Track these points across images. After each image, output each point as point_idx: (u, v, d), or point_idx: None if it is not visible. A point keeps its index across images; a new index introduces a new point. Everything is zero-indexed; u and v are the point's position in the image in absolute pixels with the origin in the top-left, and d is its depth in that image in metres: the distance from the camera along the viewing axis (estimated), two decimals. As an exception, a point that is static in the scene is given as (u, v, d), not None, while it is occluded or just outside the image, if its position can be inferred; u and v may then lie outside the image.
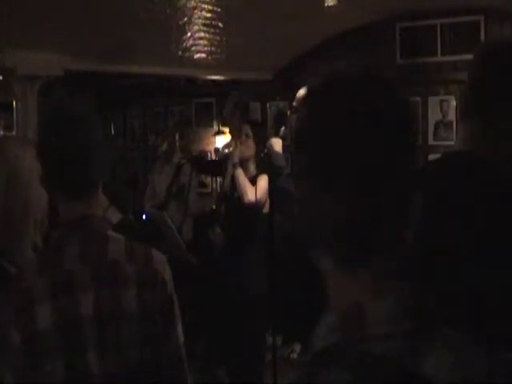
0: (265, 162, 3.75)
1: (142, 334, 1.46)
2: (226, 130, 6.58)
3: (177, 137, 5.80)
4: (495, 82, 1.32)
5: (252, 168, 3.91)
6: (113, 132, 7.74)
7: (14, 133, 4.40)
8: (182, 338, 1.56)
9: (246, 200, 3.73)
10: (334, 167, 0.71)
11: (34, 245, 1.72)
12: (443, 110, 5.42)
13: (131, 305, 1.46)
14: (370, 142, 0.70)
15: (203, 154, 6.85)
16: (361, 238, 0.71)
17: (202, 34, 4.82)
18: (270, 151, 3.70)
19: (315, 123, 0.76)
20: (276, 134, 5.74)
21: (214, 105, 6.95)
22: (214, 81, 6.32)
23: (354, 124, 0.71)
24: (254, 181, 3.79)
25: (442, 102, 5.43)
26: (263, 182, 3.72)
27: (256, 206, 3.72)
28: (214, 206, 4.22)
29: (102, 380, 1.43)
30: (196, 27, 4.67)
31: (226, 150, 4.15)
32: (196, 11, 4.40)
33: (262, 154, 3.74)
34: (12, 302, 1.43)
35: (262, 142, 3.86)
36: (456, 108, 5.27)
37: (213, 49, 5.13)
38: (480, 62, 1.38)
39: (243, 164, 3.86)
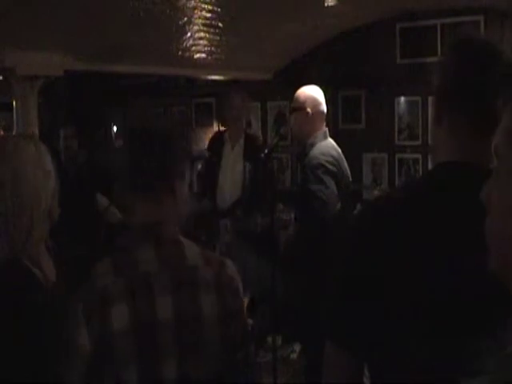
0: (264, 163, 3.75)
1: (220, 340, 1.46)
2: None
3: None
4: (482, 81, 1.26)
5: None
6: (113, 132, 7.74)
7: (13, 133, 4.40)
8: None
9: None
10: None
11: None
12: (443, 109, 5.42)
13: (211, 310, 1.45)
14: None
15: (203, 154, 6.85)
16: None
17: (201, 34, 4.82)
18: None
19: None
20: (276, 134, 5.73)
21: (213, 105, 6.95)
22: (214, 81, 6.32)
23: None
24: None
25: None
26: None
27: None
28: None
29: None
30: (196, 27, 4.67)
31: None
32: (196, 11, 4.40)
33: (263, 154, 3.73)
34: (84, 302, 1.42)
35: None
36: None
37: (213, 49, 5.13)
38: (459, 62, 1.31)
39: None
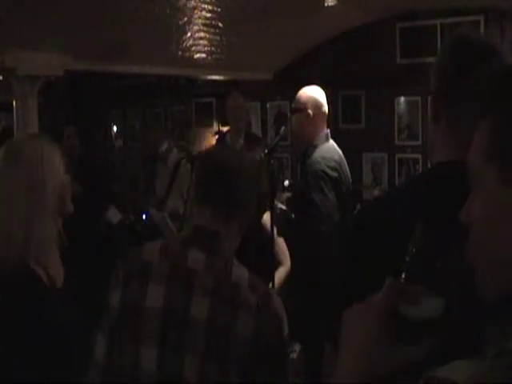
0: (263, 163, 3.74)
1: (248, 366, 1.43)
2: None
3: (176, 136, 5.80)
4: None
5: None
6: (113, 132, 7.74)
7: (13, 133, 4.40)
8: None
9: None
10: None
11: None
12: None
13: (244, 332, 1.44)
14: None
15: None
16: None
17: (202, 34, 4.82)
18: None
19: None
20: (276, 133, 5.71)
21: (213, 105, 6.95)
22: (214, 81, 6.32)
23: None
24: None
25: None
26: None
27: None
28: None
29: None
30: (196, 27, 4.67)
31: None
32: (196, 11, 4.40)
33: (263, 154, 3.73)
34: (125, 268, 1.49)
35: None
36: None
37: (213, 49, 5.13)
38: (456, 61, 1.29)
39: None
